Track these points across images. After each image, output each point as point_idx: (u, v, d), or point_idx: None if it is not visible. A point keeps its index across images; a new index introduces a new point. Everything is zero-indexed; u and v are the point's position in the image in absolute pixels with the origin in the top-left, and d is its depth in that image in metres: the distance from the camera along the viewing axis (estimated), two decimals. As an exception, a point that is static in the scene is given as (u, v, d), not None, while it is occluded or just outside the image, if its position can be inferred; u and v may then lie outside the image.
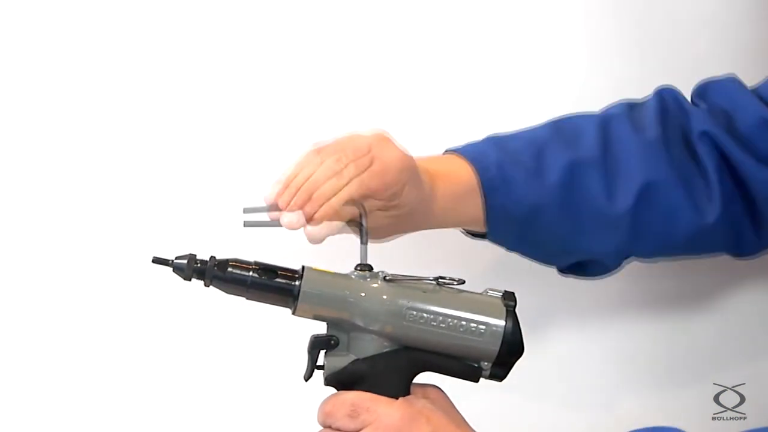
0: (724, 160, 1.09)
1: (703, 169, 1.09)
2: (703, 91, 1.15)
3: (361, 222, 0.95)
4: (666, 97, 1.14)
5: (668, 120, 1.12)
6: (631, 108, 1.14)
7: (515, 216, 1.06)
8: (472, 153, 1.08)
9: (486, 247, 1.13)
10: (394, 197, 0.98)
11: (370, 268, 0.94)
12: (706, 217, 1.09)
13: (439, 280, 0.94)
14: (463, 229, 1.12)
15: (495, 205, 1.06)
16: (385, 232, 1.03)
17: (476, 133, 1.28)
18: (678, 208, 1.08)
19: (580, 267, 1.12)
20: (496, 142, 1.09)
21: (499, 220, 1.06)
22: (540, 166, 1.07)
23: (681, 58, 1.33)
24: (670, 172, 1.09)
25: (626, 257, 1.12)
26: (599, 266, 1.12)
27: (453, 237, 1.15)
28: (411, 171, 0.99)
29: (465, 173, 1.06)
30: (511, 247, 1.11)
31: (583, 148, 1.08)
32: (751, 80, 1.15)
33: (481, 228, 1.09)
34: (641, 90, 1.32)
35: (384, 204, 0.98)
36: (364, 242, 0.94)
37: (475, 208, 1.06)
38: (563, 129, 1.11)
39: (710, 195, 1.09)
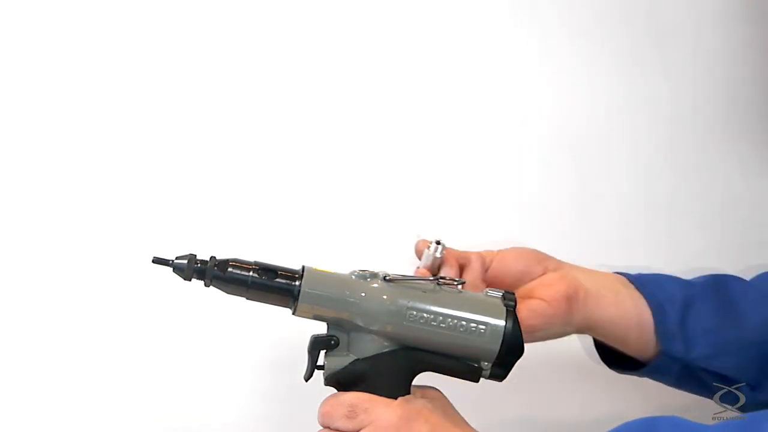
0: None
1: None
2: None
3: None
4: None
5: None
6: None
7: (675, 308, 1.06)
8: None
9: (486, 246, 1.12)
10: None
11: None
12: None
13: (440, 279, 0.94)
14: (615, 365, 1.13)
15: (650, 293, 1.06)
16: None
17: (476, 132, 1.29)
18: None
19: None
20: None
21: (661, 308, 1.06)
22: (681, 279, 1.10)
23: (680, 59, 1.33)
24: None
25: None
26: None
27: (453, 236, 1.15)
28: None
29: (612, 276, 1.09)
30: (691, 348, 1.09)
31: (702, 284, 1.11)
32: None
33: (641, 328, 1.08)
34: (641, 90, 1.32)
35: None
36: None
37: (632, 299, 1.07)
38: None
39: None
